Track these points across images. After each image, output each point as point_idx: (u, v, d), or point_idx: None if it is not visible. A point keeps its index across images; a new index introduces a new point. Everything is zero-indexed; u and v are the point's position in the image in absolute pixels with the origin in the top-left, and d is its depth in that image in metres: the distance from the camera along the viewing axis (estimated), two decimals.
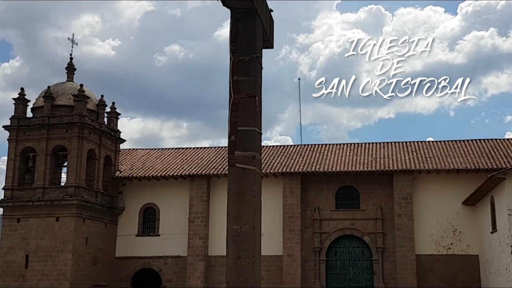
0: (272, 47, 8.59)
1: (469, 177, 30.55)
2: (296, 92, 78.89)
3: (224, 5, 7.37)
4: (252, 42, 7.47)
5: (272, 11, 8.46)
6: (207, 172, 34.47)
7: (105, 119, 35.59)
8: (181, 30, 76.47)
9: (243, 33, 7.41)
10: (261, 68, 7.82)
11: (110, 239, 34.71)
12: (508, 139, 34.37)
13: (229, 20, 7.50)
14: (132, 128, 75.20)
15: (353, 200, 32.76)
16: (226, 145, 35.83)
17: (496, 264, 27.09)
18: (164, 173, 34.88)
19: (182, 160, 36.83)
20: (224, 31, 76.30)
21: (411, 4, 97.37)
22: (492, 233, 27.54)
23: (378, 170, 31.87)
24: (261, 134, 7.72)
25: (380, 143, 34.98)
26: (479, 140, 34.37)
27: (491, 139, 34.34)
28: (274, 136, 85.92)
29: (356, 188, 32.66)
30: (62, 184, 33.49)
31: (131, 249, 34.67)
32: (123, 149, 37.95)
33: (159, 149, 40.37)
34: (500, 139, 34.22)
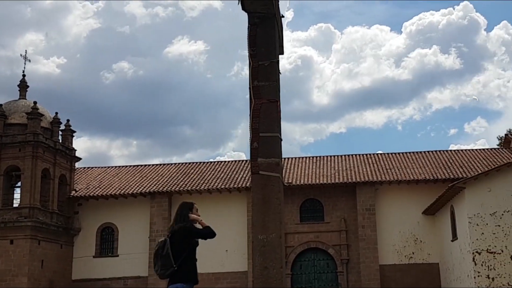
0: (283, 53, 8.48)
1: (428, 187, 31.21)
2: (248, 108, 78.86)
3: (243, 9, 7.24)
4: (272, 46, 7.37)
5: (283, 16, 8.36)
6: (169, 188, 33.88)
7: (60, 137, 34.51)
8: (130, 47, 75.44)
9: (262, 37, 7.29)
10: (279, 73, 7.67)
11: (66, 261, 33.51)
12: (464, 150, 35.46)
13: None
14: (78, 147, 72.99)
15: (317, 213, 32.87)
16: (180, 162, 35.45)
17: (457, 271, 27.66)
18: (122, 191, 34.06)
19: (141, 178, 36.08)
20: (174, 48, 75.90)
21: (359, 23, 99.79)
22: (452, 241, 28.14)
23: (341, 182, 32.13)
24: (281, 140, 7.55)
25: (342, 155, 35.35)
26: (437, 151, 35.29)
27: (448, 150, 35.36)
28: (227, 152, 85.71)
29: (320, 200, 32.81)
30: (16, 205, 32.20)
31: (89, 271, 33.56)
32: (78, 168, 36.86)
33: (116, 166, 39.45)
34: (456, 150, 35.31)
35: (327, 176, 32.90)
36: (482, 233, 24.62)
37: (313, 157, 35.88)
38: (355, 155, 35.26)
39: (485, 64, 77.35)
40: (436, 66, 73.52)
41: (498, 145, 42.62)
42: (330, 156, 35.48)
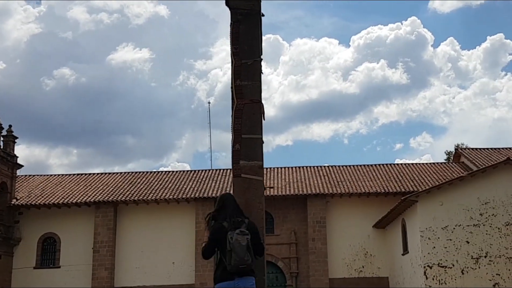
0: (261, 53, 8.01)
1: (379, 201, 31.33)
2: (194, 118, 77.98)
3: (226, 5, 6.82)
4: (255, 44, 6.91)
5: (263, 15, 7.89)
6: (114, 198, 32.76)
7: (1, 143, 32.86)
8: (73, 53, 73.36)
9: (245, 35, 6.84)
10: (261, 73, 7.21)
11: (5, 272, 31.80)
12: (414, 164, 35.88)
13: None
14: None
15: (267, 225, 32.35)
16: (124, 171, 34.12)
17: (408, 285, 27.74)
18: (65, 200, 32.72)
19: (85, 186, 34.77)
20: (118, 55, 74.27)
21: (307, 35, 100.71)
22: (403, 254, 28.24)
23: (292, 194, 31.85)
24: (263, 142, 7.10)
25: (293, 167, 35.12)
26: (388, 164, 35.57)
27: (399, 164, 35.73)
28: (171, 163, 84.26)
29: (270, 212, 32.37)
30: None
31: (29, 282, 31.97)
32: (19, 176, 35.18)
33: (59, 175, 37.91)
34: (407, 164, 35.70)
35: (277, 188, 32.56)
36: (434, 247, 24.75)
37: (264, 168, 35.43)
38: (306, 167, 35.10)
39: (431, 79, 79.36)
40: (384, 80, 74.82)
41: (445, 159, 43.50)
42: (281, 168, 35.19)
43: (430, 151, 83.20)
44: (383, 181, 32.53)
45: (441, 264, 24.52)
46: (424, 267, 24.70)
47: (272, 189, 32.26)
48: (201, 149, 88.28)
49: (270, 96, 79.77)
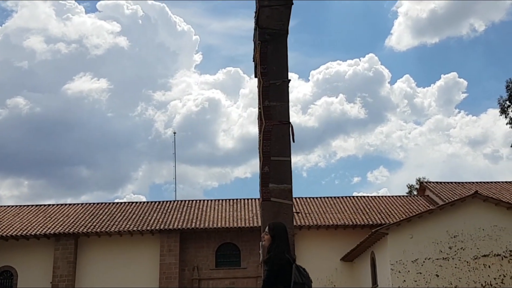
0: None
1: (347, 233, 31.21)
2: (151, 150, 76.87)
3: (256, 23, 6.66)
4: (284, 65, 6.82)
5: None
6: (75, 230, 31.64)
7: None
8: (28, 82, 71.34)
9: (273, 55, 6.73)
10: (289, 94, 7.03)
11: None
12: (381, 197, 36.04)
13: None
14: None
15: (234, 258, 31.85)
16: (78, 202, 32.56)
17: None
18: (24, 232, 31.41)
19: (44, 218, 33.50)
20: (74, 84, 72.80)
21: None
22: None
23: (259, 226, 31.31)
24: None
25: (257, 199, 34.67)
26: (356, 197, 35.66)
27: (366, 196, 35.84)
28: (126, 195, 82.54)
29: (237, 245, 31.86)
30: None
31: None
32: None
33: (18, 206, 36.47)
34: (374, 196, 35.84)
35: (245, 220, 32.12)
36: (404, 281, 24.65)
37: (230, 199, 35.01)
38: None
39: (388, 115, 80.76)
40: (342, 114, 75.75)
41: (407, 193, 44.03)
42: (249, 199, 34.80)
43: (386, 185, 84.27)
44: (351, 214, 32.49)
45: None
46: None
47: (240, 221, 31.85)
48: (158, 181, 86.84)
49: (229, 128, 79.74)
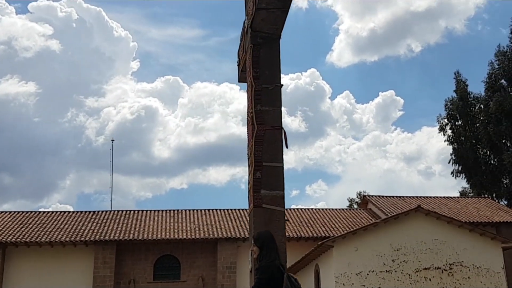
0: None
1: (291, 245, 30.53)
2: (80, 158, 74.30)
3: (250, 26, 6.24)
4: (276, 69, 6.55)
5: None
6: (3, 239, 29.83)
7: None
8: None
9: (265, 59, 6.45)
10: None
11: None
12: (324, 209, 35.98)
13: None
14: None
15: (173, 271, 30.85)
16: (1, 210, 30.89)
17: None
18: None
19: None
20: (0, 87, 69.61)
21: (208, 79, 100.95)
22: None
23: (201, 238, 30.63)
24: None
25: (202, 210, 33.98)
26: (300, 209, 35.50)
27: (310, 209, 35.72)
28: (52, 204, 79.37)
29: (177, 257, 30.92)
30: None
31: None
32: None
33: None
34: (318, 209, 35.78)
35: (186, 231, 31.24)
36: None
37: (170, 210, 34.03)
38: (216, 210, 34.13)
39: (328, 129, 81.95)
40: (283, 127, 76.05)
41: (348, 206, 44.40)
42: (190, 210, 33.94)
43: (325, 198, 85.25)
44: (295, 226, 32.25)
45: None
46: None
47: (180, 232, 30.96)
48: (87, 190, 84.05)
49: (165, 137, 78.38)
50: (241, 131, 77.24)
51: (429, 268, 25.49)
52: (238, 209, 34.34)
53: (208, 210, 34.02)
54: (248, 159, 6.49)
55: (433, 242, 25.74)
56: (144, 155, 77.69)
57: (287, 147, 6.30)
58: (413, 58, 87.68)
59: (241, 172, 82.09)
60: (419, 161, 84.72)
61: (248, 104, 6.68)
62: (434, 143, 78.77)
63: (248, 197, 6.42)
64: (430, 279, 25.42)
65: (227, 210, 34.15)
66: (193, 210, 33.90)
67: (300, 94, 75.24)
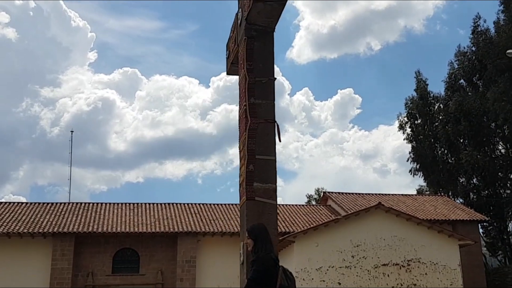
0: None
1: None
2: (34, 148, 72.65)
3: (245, 19, 6.23)
4: (270, 63, 6.67)
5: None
6: None
7: None
8: None
9: (259, 52, 6.53)
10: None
11: None
12: (284, 205, 36.14)
13: None
14: None
15: (132, 264, 30.52)
16: None
17: None
18: None
19: None
20: None
21: (167, 72, 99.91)
22: None
23: (161, 231, 30.37)
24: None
25: (163, 203, 33.67)
26: None
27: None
28: (5, 195, 77.41)
29: (136, 250, 30.59)
30: None
31: None
32: None
33: None
34: (278, 204, 35.75)
35: (146, 225, 30.93)
36: None
37: (130, 203, 33.60)
38: (177, 204, 33.88)
39: (286, 126, 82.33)
40: None
41: (306, 202, 44.77)
42: (149, 204, 33.59)
43: (281, 194, 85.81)
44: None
45: None
46: None
47: (140, 226, 30.65)
48: (40, 182, 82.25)
49: (122, 130, 77.34)
50: (199, 125, 76.93)
51: (387, 264, 26.03)
52: (198, 204, 34.19)
53: (168, 204, 33.76)
54: (240, 152, 6.51)
55: (392, 239, 26.28)
56: (100, 148, 76.55)
57: (280, 140, 6.35)
58: (372, 57, 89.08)
59: (198, 167, 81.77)
60: (375, 159, 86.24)
61: (241, 97, 6.70)
62: (390, 141, 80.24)
63: (240, 190, 6.42)
64: (388, 275, 25.95)
65: (188, 204, 33.96)
66: (153, 203, 33.58)
67: None
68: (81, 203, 33.49)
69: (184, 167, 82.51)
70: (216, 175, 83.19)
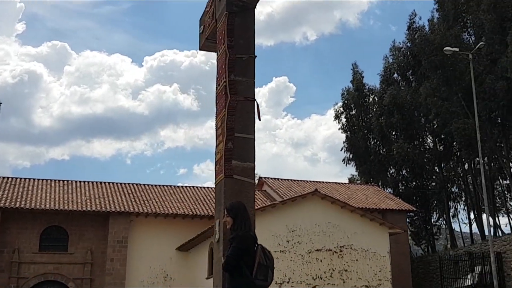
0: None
1: (186, 223, 30.69)
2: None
3: None
4: (251, 40, 6.58)
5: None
6: None
7: None
8: None
9: (240, 29, 6.48)
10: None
11: None
12: None
13: None
14: None
15: (61, 242, 29.61)
16: None
17: None
18: None
19: None
20: None
21: (98, 48, 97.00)
22: (207, 278, 27.95)
23: (92, 210, 29.56)
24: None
25: (95, 182, 32.69)
26: (196, 187, 35.23)
27: (206, 187, 35.52)
28: None
29: (65, 228, 29.68)
30: None
31: None
32: None
33: None
34: (211, 188, 35.65)
35: (77, 203, 30.01)
36: None
37: (61, 180, 32.44)
38: (109, 183, 33.02)
39: None
40: (174, 104, 75.16)
41: None
42: (82, 182, 32.55)
43: (212, 178, 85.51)
44: (191, 204, 31.98)
45: None
46: None
47: (70, 203, 29.72)
48: None
49: (48, 105, 74.64)
50: (130, 104, 75.33)
51: (321, 249, 26.48)
52: (132, 184, 33.46)
53: (100, 182, 32.86)
54: (217, 129, 6.39)
55: (327, 225, 26.73)
56: (24, 122, 73.68)
57: (259, 119, 6.24)
58: (307, 46, 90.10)
59: (127, 146, 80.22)
60: (306, 147, 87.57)
61: (219, 73, 6.53)
62: (322, 131, 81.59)
63: (216, 167, 6.30)
64: (321, 260, 26.42)
65: (120, 184, 33.20)
66: (84, 181, 32.60)
67: (194, 72, 74.71)
68: (7, 178, 32.05)
69: (112, 147, 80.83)
70: (146, 156, 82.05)
